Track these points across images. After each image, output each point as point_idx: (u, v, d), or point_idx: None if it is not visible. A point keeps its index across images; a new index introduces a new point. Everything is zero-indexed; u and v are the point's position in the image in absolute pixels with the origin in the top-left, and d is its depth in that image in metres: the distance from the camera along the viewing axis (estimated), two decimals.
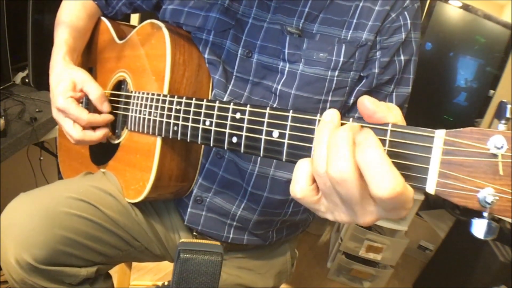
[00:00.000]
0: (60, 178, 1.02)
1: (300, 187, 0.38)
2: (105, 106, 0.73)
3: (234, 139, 0.48)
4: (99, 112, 0.73)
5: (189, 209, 0.75)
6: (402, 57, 0.69)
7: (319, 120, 0.39)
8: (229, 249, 0.81)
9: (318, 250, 2.13)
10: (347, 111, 0.72)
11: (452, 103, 1.76)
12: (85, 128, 0.71)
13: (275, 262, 0.87)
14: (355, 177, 0.33)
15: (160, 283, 1.03)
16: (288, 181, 0.71)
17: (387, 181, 0.31)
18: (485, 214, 0.31)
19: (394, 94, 0.71)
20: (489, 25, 1.65)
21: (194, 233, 0.80)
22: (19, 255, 0.61)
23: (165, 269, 1.67)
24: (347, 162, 0.33)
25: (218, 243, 0.67)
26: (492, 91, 1.71)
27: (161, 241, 0.79)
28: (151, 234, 0.77)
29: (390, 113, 0.36)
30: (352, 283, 1.93)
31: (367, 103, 0.36)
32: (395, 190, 0.31)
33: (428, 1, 1.63)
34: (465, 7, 1.63)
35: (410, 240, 1.87)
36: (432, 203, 2.20)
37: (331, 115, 0.37)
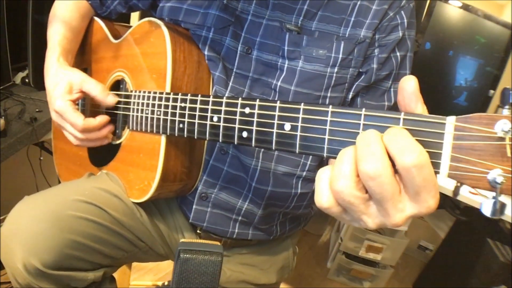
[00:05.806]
0: None
1: (326, 197, 0.37)
2: (110, 98, 0.72)
3: (245, 134, 0.48)
4: (95, 115, 0.72)
5: (194, 206, 0.76)
6: (398, 53, 0.70)
7: (331, 111, 0.40)
8: (233, 245, 0.82)
9: (318, 250, 2.13)
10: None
11: (452, 103, 1.76)
12: (83, 132, 0.70)
13: (278, 258, 0.88)
14: (389, 172, 0.34)
15: (160, 283, 1.03)
16: (287, 174, 0.72)
17: (412, 150, 0.33)
18: (494, 194, 0.33)
19: (392, 89, 0.72)
20: (489, 25, 1.65)
21: (198, 230, 0.80)
22: (27, 260, 0.60)
23: (165, 269, 1.67)
24: (380, 158, 0.34)
25: (218, 243, 0.66)
26: (492, 91, 1.71)
27: (164, 240, 0.80)
28: (155, 234, 0.77)
29: (423, 105, 0.37)
30: (352, 283, 1.93)
31: (409, 85, 0.38)
32: (421, 157, 0.32)
33: (428, 1, 1.62)
34: (465, 7, 1.63)
35: (410, 240, 1.87)
36: None
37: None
